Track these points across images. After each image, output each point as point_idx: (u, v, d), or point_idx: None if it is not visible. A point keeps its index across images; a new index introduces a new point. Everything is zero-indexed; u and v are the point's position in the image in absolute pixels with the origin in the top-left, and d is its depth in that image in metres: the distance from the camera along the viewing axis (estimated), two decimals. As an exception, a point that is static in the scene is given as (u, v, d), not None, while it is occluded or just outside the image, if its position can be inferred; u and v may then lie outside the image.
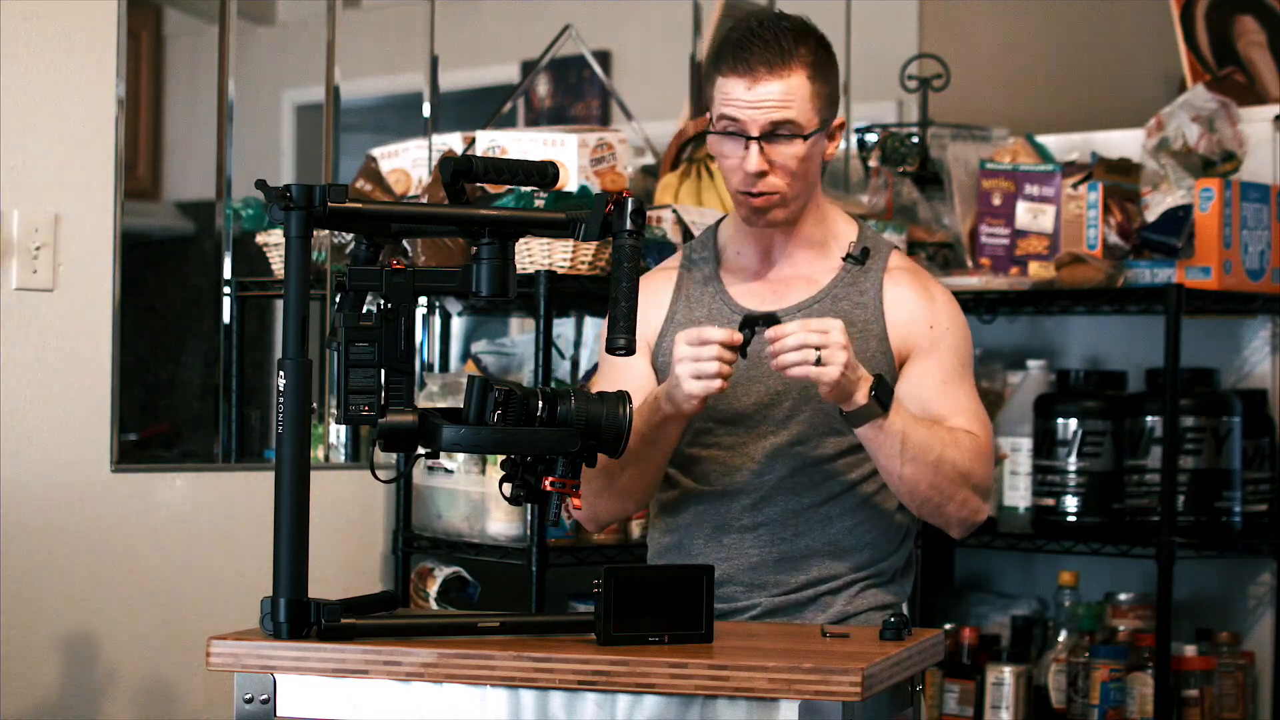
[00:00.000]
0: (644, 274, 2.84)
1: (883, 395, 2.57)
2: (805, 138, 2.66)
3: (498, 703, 2.25)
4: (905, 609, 2.79)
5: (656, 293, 2.81)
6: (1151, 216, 3.71)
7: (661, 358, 2.78)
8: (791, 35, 2.66)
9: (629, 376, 2.72)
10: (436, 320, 3.93)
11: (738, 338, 2.55)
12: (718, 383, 2.54)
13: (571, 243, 3.34)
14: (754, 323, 2.56)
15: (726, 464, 2.74)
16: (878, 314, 2.73)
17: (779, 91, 2.64)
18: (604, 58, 4.30)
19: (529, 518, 3.37)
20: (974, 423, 2.71)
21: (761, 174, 2.66)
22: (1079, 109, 4.76)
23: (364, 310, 2.35)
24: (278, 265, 3.58)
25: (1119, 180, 3.76)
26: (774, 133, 2.65)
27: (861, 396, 2.55)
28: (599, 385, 2.77)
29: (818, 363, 2.51)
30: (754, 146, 2.65)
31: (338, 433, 3.69)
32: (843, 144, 4.24)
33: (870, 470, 2.72)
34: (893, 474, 2.65)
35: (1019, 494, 3.82)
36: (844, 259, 2.77)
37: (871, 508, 2.74)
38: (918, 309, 2.74)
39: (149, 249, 3.70)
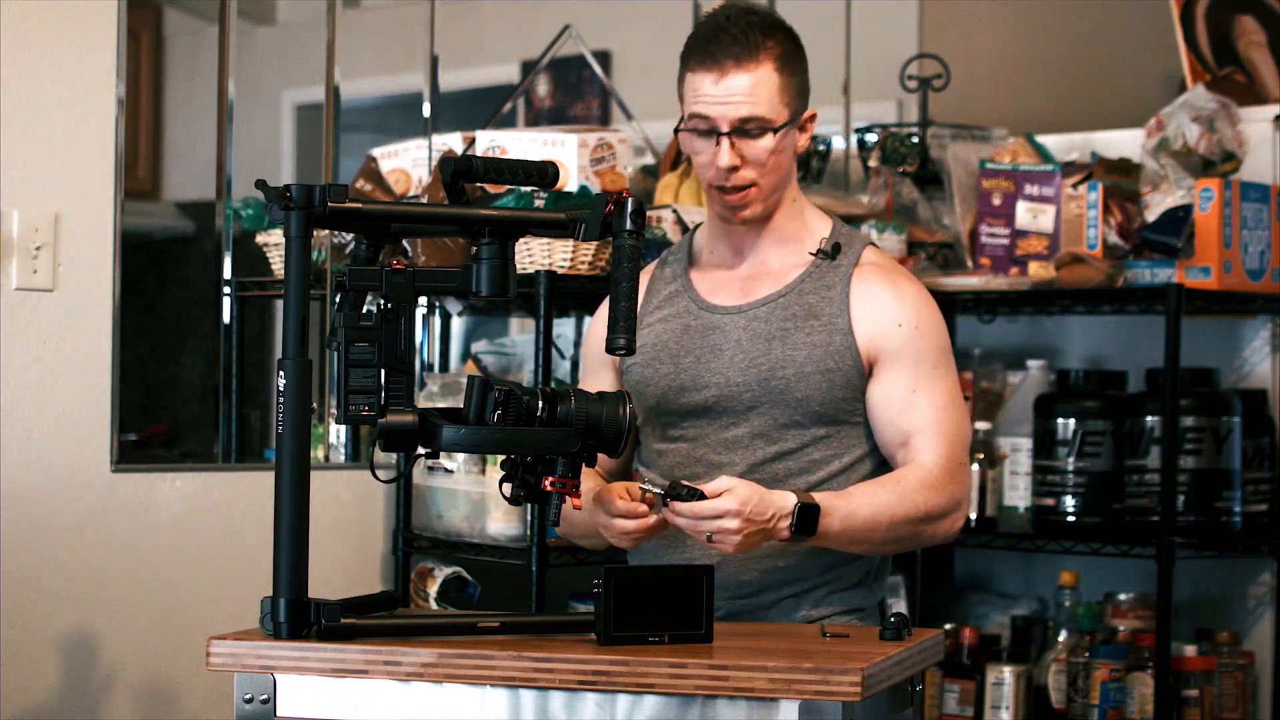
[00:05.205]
0: None
1: (804, 527, 2.55)
2: (775, 131, 2.68)
3: (498, 703, 2.25)
4: (905, 609, 2.79)
5: None
6: (1151, 216, 3.71)
7: (626, 360, 2.80)
8: (759, 29, 2.68)
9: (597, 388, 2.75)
10: (436, 320, 3.93)
11: (640, 508, 2.56)
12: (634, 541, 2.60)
13: (571, 243, 3.34)
14: (677, 496, 2.52)
15: (689, 455, 2.74)
16: (843, 308, 2.72)
17: (746, 85, 2.66)
18: (604, 58, 4.30)
19: (529, 518, 3.37)
20: (936, 438, 2.68)
21: (734, 168, 2.68)
22: (1079, 109, 4.76)
23: (364, 310, 2.35)
24: (278, 265, 3.58)
25: (1119, 180, 3.76)
26: (743, 129, 2.67)
27: (784, 533, 2.55)
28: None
29: (710, 539, 2.52)
30: (725, 142, 2.67)
31: (338, 433, 3.69)
32: (842, 144, 4.26)
33: (838, 469, 2.72)
34: (851, 551, 2.68)
35: (1019, 494, 3.81)
36: (813, 254, 2.77)
37: None
38: (885, 305, 2.72)
39: (149, 249, 3.70)
